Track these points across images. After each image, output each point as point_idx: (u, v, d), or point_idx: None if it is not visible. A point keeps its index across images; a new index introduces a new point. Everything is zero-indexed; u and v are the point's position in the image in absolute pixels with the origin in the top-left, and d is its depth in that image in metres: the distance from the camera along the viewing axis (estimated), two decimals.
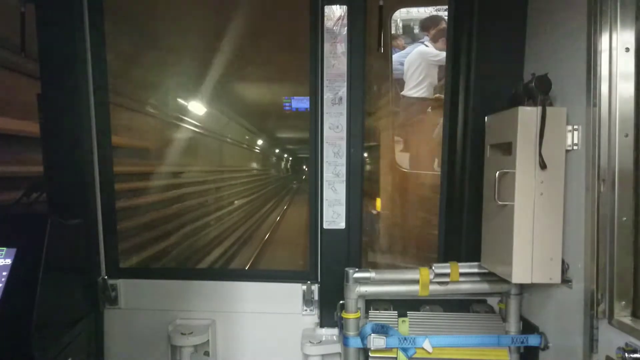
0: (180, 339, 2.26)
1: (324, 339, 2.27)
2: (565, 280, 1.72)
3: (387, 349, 1.97)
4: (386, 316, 2.13)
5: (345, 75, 2.20)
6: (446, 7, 2.32)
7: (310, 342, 2.22)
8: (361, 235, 2.32)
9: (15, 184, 2.84)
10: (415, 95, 4.84)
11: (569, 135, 1.68)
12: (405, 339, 1.97)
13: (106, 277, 2.40)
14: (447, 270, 2.01)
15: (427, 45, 4.56)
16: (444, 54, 3.01)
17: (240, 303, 2.39)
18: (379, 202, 3.56)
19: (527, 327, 2.03)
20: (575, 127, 1.67)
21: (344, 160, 2.24)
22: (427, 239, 3.07)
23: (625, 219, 1.51)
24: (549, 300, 1.88)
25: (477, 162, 2.08)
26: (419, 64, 4.81)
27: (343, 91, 2.21)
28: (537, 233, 1.70)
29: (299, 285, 2.34)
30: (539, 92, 1.73)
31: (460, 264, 2.04)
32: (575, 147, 1.68)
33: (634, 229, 1.52)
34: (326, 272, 2.29)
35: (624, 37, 1.50)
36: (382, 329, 2.01)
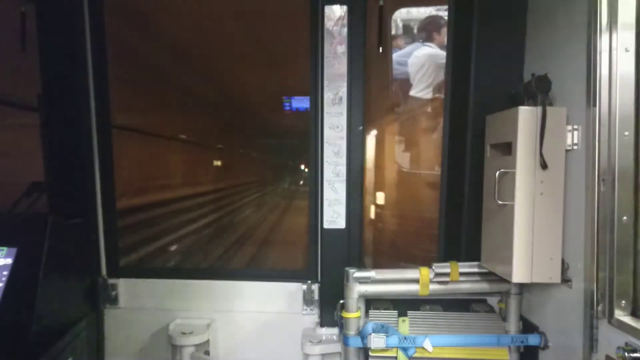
0: (181, 338, 2.26)
1: (324, 338, 2.27)
2: (565, 280, 1.73)
3: (387, 349, 1.97)
4: (386, 316, 2.13)
5: (345, 75, 2.20)
6: (446, 7, 2.32)
7: (311, 341, 2.22)
8: (361, 235, 2.32)
9: None
10: (427, 96, 4.85)
11: (569, 135, 1.69)
12: (405, 338, 1.97)
13: (106, 276, 2.40)
14: (447, 270, 2.02)
15: (430, 47, 4.55)
16: None
17: (241, 302, 2.39)
18: None
19: (527, 327, 2.03)
20: (575, 127, 1.67)
21: (344, 160, 2.24)
22: None
23: (625, 218, 1.51)
24: (548, 299, 1.88)
25: (477, 162, 2.09)
26: (428, 66, 4.80)
27: (343, 91, 2.21)
28: (537, 233, 1.70)
29: (299, 284, 2.34)
30: (539, 92, 1.73)
31: (460, 263, 2.04)
32: (575, 147, 1.68)
33: (634, 229, 1.52)
34: (326, 271, 2.30)
35: (624, 37, 1.50)
36: (382, 329, 2.01)
